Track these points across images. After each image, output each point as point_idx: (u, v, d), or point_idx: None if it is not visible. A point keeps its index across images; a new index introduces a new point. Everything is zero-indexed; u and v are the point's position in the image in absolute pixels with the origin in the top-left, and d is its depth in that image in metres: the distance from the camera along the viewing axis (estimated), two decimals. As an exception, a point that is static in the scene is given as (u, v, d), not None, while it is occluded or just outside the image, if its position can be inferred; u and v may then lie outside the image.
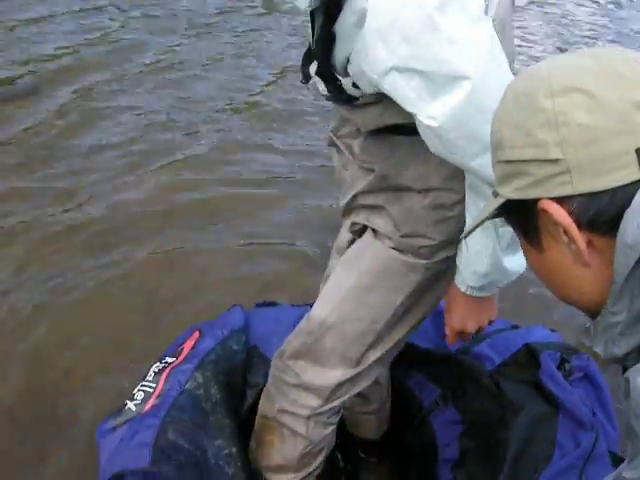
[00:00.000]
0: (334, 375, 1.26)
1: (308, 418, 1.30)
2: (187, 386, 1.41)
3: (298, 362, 1.29)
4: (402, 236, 1.19)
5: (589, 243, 0.68)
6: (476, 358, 1.58)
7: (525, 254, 0.80)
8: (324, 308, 1.27)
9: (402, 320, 1.27)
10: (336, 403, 1.30)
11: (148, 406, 1.38)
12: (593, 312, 0.73)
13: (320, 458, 1.38)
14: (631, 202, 0.64)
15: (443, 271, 1.23)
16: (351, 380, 1.28)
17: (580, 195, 0.67)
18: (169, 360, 1.52)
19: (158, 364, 1.52)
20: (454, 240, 1.17)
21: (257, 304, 1.87)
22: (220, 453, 1.32)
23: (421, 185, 1.16)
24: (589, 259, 0.69)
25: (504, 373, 1.53)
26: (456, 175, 1.10)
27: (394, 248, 1.21)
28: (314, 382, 1.27)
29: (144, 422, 1.34)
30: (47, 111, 3.31)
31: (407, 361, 1.56)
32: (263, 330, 1.64)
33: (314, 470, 1.38)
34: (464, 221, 1.13)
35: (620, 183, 0.65)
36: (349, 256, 1.30)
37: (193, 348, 1.55)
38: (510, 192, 0.73)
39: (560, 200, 0.68)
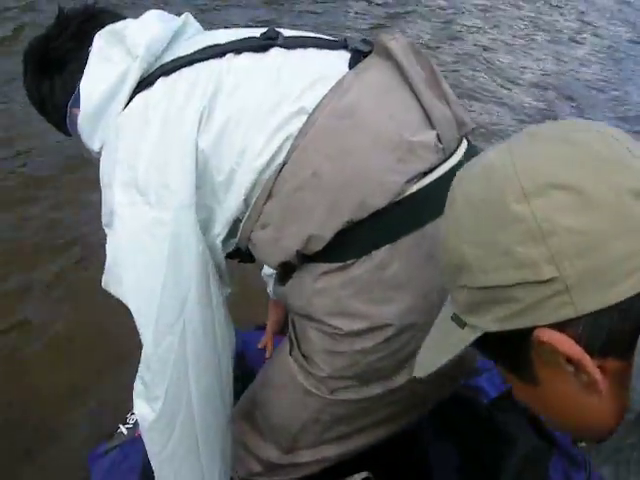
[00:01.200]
0: (271, 453, 1.14)
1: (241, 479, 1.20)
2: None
3: (243, 422, 1.18)
4: (303, 355, 1.04)
5: (600, 368, 0.55)
6: (472, 390, 1.57)
7: (510, 383, 0.67)
8: (257, 382, 1.19)
9: (325, 434, 1.08)
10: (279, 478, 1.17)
11: (139, 431, 1.38)
12: (596, 439, 0.63)
13: None
14: None
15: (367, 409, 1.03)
16: (290, 466, 1.13)
17: (586, 315, 0.54)
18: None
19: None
20: (353, 378, 0.99)
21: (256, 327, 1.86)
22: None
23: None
24: (602, 387, 0.56)
25: (500, 406, 1.51)
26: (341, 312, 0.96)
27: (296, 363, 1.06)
28: (255, 451, 1.16)
29: (135, 446, 1.35)
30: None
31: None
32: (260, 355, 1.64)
33: None
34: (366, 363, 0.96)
35: (631, 293, 0.53)
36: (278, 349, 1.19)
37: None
38: (488, 323, 0.59)
39: (561, 325, 0.55)
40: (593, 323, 0.54)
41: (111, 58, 1.03)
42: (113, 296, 1.04)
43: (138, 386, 1.03)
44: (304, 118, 0.93)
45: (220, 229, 1.01)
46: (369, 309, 0.92)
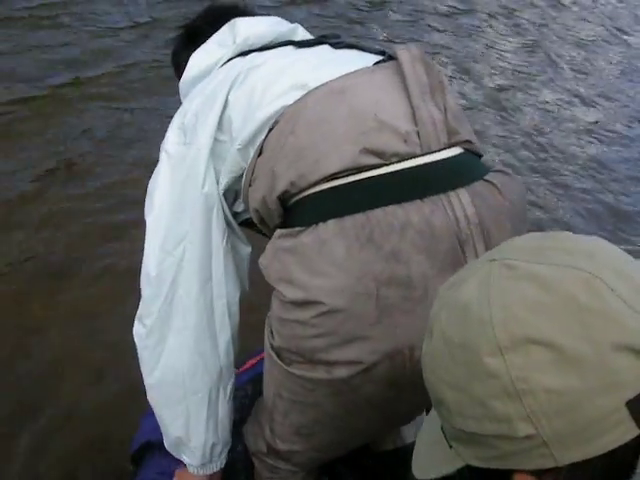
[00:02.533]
0: (267, 434, 1.18)
1: (253, 454, 1.26)
2: (236, 393, 1.48)
3: (260, 399, 1.24)
4: (270, 324, 1.06)
5: None
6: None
7: None
8: None
9: (287, 420, 1.11)
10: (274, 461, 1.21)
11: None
12: None
13: None
14: (637, 460, 0.53)
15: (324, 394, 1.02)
16: (279, 452, 1.18)
17: (567, 465, 0.52)
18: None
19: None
20: (297, 353, 0.99)
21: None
22: (239, 457, 1.34)
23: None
24: None
25: None
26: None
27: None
28: (262, 429, 1.21)
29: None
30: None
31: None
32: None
33: None
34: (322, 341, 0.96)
35: (616, 444, 0.51)
36: None
37: (254, 365, 1.62)
38: (470, 458, 0.59)
39: (541, 472, 0.54)
40: (574, 471, 0.52)
41: (222, 43, 1.23)
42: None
43: (139, 307, 1.14)
44: (303, 92, 1.02)
45: (222, 178, 1.12)
46: (307, 280, 0.93)
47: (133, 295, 1.20)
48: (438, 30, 4.68)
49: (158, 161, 1.16)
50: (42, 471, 1.68)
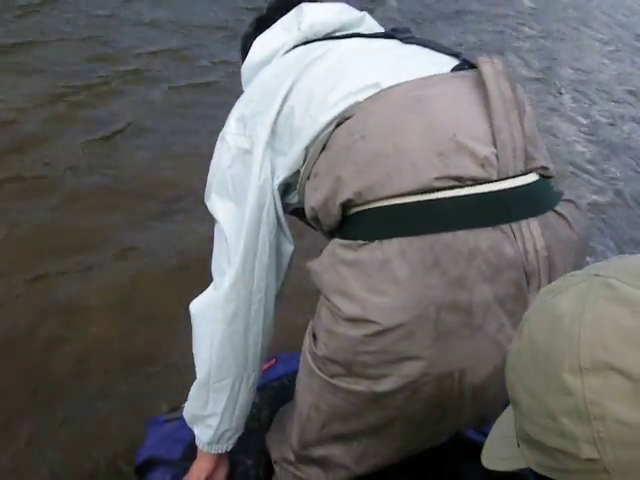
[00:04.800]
0: (294, 442, 1.14)
1: (276, 462, 1.22)
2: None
3: (287, 407, 1.24)
4: (313, 333, 1.04)
5: None
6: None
7: None
8: None
9: (325, 429, 1.07)
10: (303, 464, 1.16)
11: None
12: None
13: None
14: None
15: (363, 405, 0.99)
16: (309, 460, 1.13)
17: None
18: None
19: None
20: (343, 366, 0.96)
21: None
22: (249, 472, 1.31)
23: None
24: None
25: None
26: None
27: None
28: (288, 437, 1.17)
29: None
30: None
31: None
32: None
33: None
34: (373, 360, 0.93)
35: None
36: None
37: (265, 371, 1.57)
38: (532, 463, 0.60)
39: None
40: None
41: (287, 27, 1.21)
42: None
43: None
44: (375, 91, 0.98)
45: (280, 173, 1.09)
46: (365, 296, 0.90)
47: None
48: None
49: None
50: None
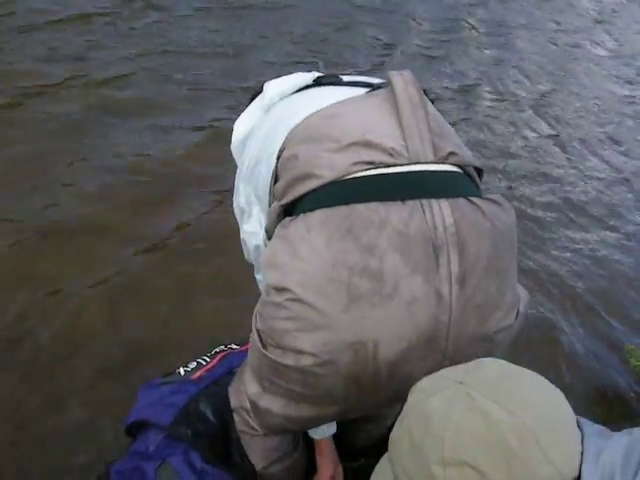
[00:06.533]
0: (251, 389, 1.18)
1: (234, 410, 1.28)
2: (235, 369, 1.44)
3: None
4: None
5: None
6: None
7: None
8: None
9: (266, 386, 1.14)
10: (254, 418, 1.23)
11: (195, 375, 1.44)
12: None
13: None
14: None
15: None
16: (258, 409, 1.18)
17: None
18: (233, 347, 1.59)
19: (223, 347, 1.60)
20: (267, 334, 1.05)
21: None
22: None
23: None
24: None
25: None
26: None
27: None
28: (245, 384, 1.21)
29: (184, 387, 1.39)
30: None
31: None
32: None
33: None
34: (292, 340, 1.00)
35: None
36: None
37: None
38: None
39: None
40: None
41: (258, 105, 1.40)
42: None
43: None
44: (300, 119, 1.13)
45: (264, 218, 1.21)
46: (287, 262, 0.99)
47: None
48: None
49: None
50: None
